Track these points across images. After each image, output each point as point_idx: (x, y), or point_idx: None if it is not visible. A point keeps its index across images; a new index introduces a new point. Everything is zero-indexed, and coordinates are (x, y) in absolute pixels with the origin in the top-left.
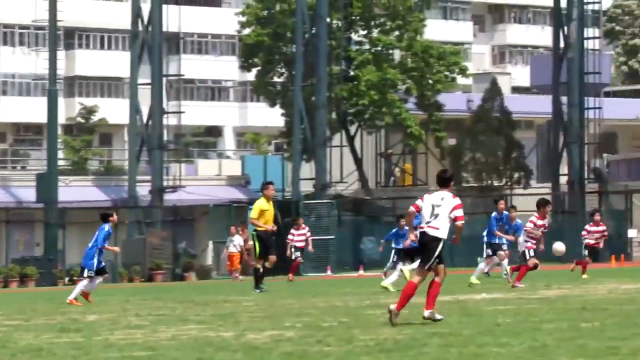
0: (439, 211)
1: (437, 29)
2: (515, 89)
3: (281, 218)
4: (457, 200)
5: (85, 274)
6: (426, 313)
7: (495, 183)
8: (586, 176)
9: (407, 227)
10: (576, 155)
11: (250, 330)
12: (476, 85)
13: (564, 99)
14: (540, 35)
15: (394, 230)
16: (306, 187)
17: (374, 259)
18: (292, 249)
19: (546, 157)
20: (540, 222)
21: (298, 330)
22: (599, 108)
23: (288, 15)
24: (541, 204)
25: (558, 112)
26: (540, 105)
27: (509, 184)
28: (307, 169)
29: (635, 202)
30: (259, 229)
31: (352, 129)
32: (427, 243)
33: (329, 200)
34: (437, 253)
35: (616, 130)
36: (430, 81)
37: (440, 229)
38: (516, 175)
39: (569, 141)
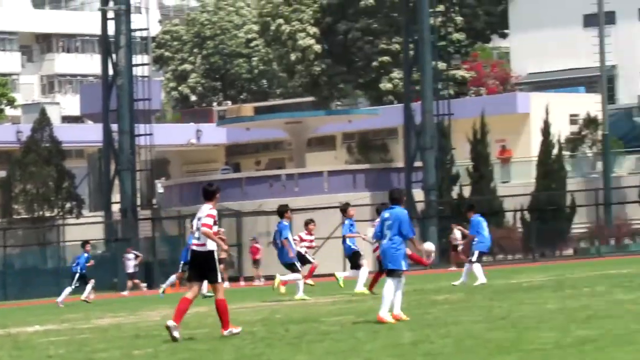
0: (199, 224)
1: None
2: (66, 118)
3: None
4: (211, 211)
5: None
6: (225, 332)
7: (48, 214)
8: (138, 203)
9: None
10: (128, 183)
11: None
12: (25, 116)
13: (115, 127)
14: (90, 64)
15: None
16: None
17: None
18: None
19: (98, 186)
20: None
21: None
22: (150, 134)
23: None
24: (308, 222)
25: (109, 139)
26: (91, 134)
27: (61, 214)
28: None
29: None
30: None
31: None
32: (202, 262)
33: None
34: (216, 266)
35: (168, 155)
36: None
37: (205, 244)
38: (68, 205)
39: (120, 169)
